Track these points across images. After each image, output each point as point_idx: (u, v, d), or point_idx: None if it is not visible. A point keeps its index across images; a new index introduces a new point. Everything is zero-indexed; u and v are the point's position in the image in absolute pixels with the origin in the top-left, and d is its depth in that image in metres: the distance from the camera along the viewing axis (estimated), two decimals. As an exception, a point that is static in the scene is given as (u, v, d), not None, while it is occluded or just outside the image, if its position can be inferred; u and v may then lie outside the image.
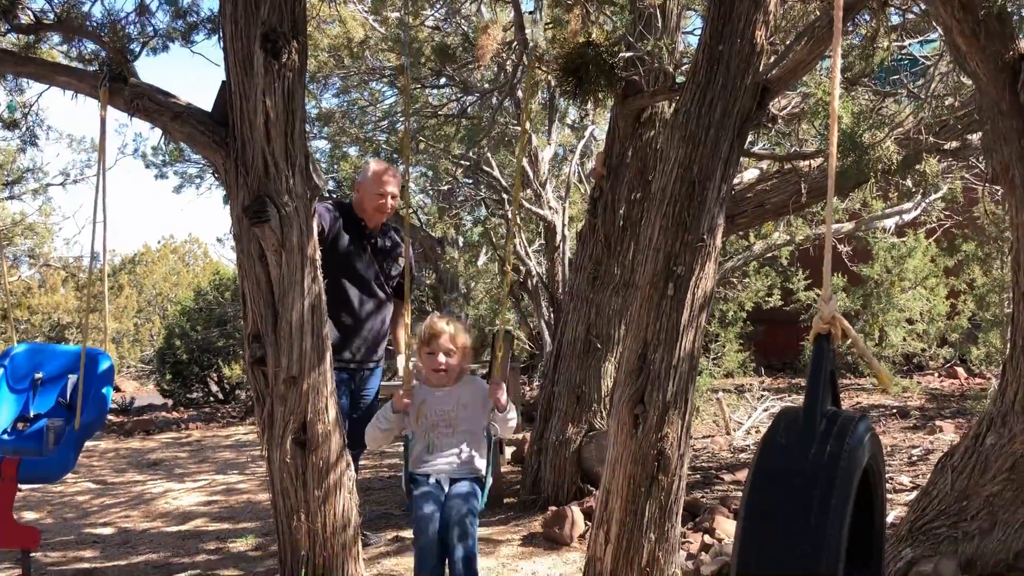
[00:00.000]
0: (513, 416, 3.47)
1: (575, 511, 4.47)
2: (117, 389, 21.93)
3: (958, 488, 2.74)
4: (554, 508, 4.62)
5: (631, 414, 3.39)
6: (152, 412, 13.07)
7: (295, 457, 3.57)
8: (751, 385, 10.43)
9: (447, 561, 3.19)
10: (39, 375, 3.72)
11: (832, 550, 1.32)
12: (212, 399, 14.33)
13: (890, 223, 8.88)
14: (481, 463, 3.44)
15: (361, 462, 4.71)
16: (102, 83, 3.40)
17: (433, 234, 10.42)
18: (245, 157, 3.36)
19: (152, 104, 3.45)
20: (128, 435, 9.95)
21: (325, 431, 3.61)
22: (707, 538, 3.97)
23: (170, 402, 14.30)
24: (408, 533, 4.85)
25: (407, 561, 4.30)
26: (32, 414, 3.65)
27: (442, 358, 3.46)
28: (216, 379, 14.45)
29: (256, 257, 3.43)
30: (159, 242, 27.63)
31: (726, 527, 4.13)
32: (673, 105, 5.06)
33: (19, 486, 3.45)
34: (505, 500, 5.40)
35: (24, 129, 4.04)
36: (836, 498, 1.40)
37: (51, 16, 3.60)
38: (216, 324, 13.56)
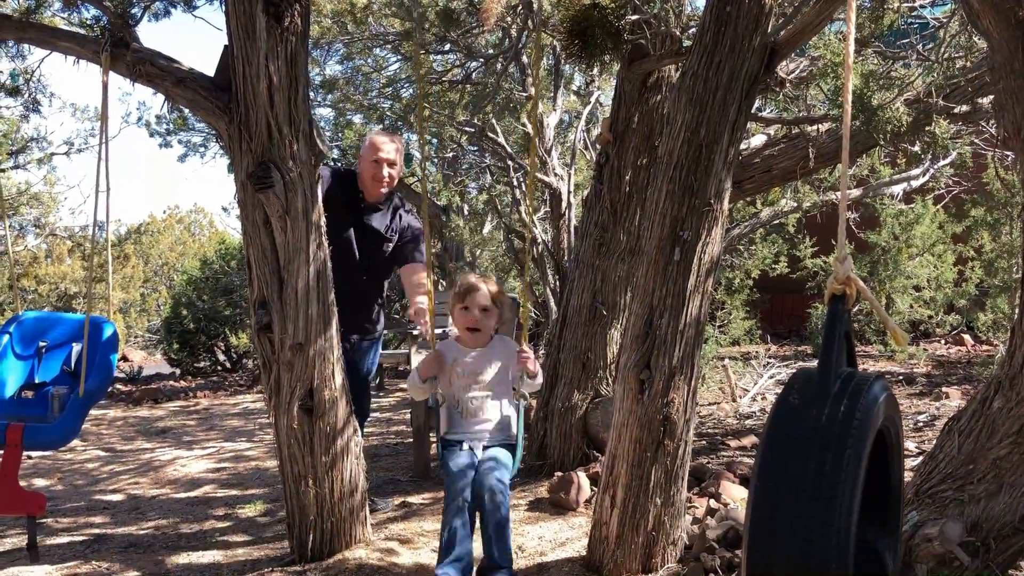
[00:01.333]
0: (540, 380, 3.46)
1: (581, 476, 4.48)
2: (125, 358, 22.06)
3: (965, 452, 2.73)
4: (560, 473, 4.63)
5: (637, 379, 3.39)
6: (160, 381, 13.15)
7: (302, 423, 3.58)
8: (757, 352, 10.41)
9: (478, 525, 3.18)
10: (44, 343, 3.73)
11: (845, 510, 1.32)
12: (219, 368, 14.42)
13: (898, 189, 8.81)
14: (513, 428, 3.39)
15: (368, 429, 4.71)
16: (104, 48, 3.37)
17: (438, 202, 10.39)
18: (248, 123, 3.33)
19: (154, 69, 3.42)
20: (136, 404, 10.02)
21: (332, 397, 3.62)
22: (712, 503, 3.98)
23: (177, 371, 14.40)
24: (415, 499, 4.89)
25: (414, 526, 4.33)
26: (37, 381, 3.66)
27: (477, 314, 3.41)
28: (223, 348, 14.53)
29: (261, 224, 3.42)
30: (164, 212, 27.66)
31: (732, 492, 4.14)
32: (680, 69, 5.01)
33: (26, 453, 3.48)
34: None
35: (27, 96, 4.01)
36: (849, 457, 1.40)
37: (51, -19, 3.57)
38: (222, 293, 13.60)
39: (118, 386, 11.91)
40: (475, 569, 3.16)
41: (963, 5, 2.35)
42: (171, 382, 12.84)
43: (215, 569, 3.84)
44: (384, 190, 4.40)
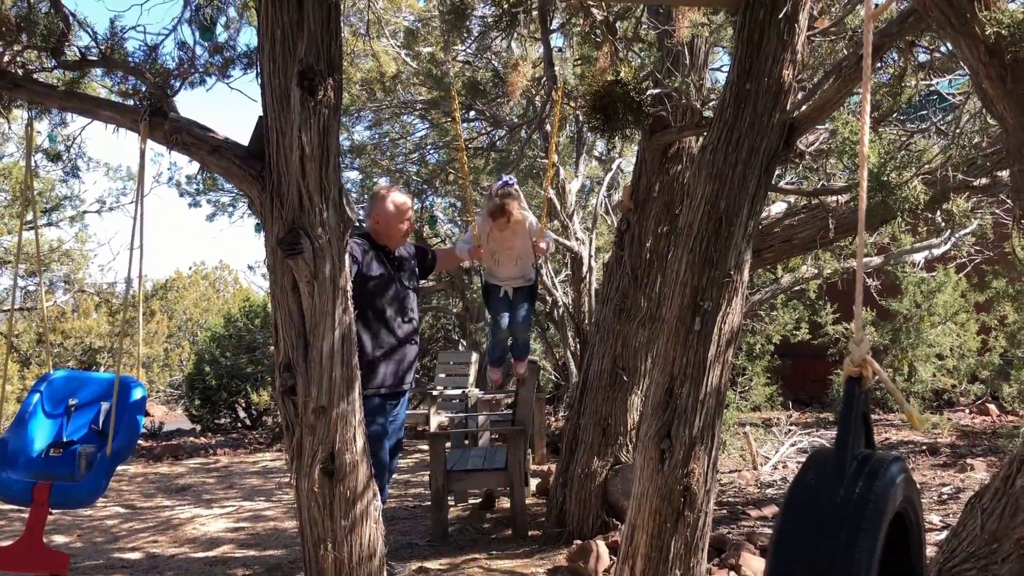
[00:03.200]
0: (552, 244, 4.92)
1: (600, 545, 4.46)
2: (147, 414, 22.13)
3: (988, 530, 2.72)
4: (579, 542, 4.61)
5: (657, 449, 3.40)
6: (180, 437, 13.18)
7: (323, 486, 3.60)
8: (779, 419, 10.33)
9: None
10: (73, 401, 3.80)
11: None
12: (240, 425, 14.45)
13: (919, 257, 8.81)
14: (531, 273, 4.83)
15: (388, 491, 4.73)
16: (143, 117, 3.49)
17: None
18: (280, 190, 3.42)
19: (190, 138, 3.54)
20: (157, 460, 10.05)
21: (352, 461, 3.64)
22: (733, 575, 3.95)
23: (198, 427, 14.43)
24: (432, 564, 4.88)
25: (432, 592, 4.32)
26: (65, 440, 3.72)
27: (502, 228, 4.60)
28: (244, 405, 14.58)
29: (289, 288, 3.49)
30: (190, 268, 27.98)
31: (752, 564, 4.11)
32: (700, 140, 5.11)
33: (50, 510, 3.52)
34: (530, 532, 5.41)
35: (67, 161, 4.16)
36: (863, 537, 1.41)
37: (95, 52, 3.71)
38: (245, 351, 13.71)
39: (139, 441, 11.97)
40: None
41: (978, 90, 2.41)
42: (192, 438, 12.87)
43: (232, 633, 3.84)
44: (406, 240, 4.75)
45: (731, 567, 4.12)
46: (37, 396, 3.72)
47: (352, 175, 9.58)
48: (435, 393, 8.35)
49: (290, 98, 3.37)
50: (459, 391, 8.68)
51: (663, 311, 3.54)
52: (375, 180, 9.50)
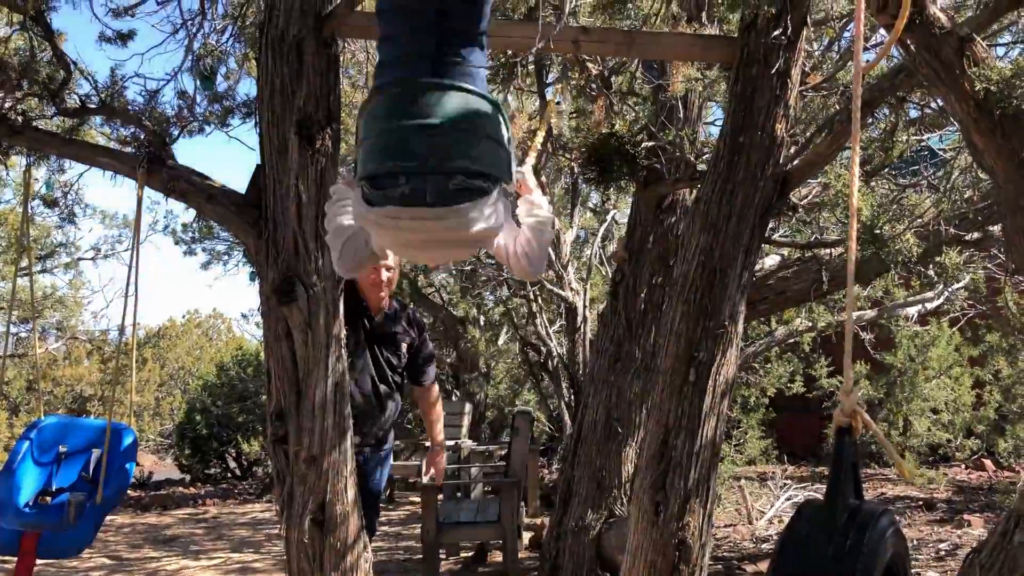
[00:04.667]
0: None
1: (594, 600, 4.39)
2: (137, 463, 21.84)
3: (986, 586, 2.68)
4: (572, 596, 4.54)
5: (652, 501, 3.37)
6: (170, 487, 13.01)
7: (313, 537, 3.55)
8: (774, 473, 10.25)
9: None
10: (63, 448, 3.74)
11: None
12: (230, 475, 14.28)
13: (913, 311, 8.83)
14: None
15: (376, 543, 4.62)
16: (140, 165, 3.52)
17: (455, 312, 10.49)
18: (276, 238, 3.43)
19: (188, 186, 3.56)
20: (145, 510, 9.91)
21: (344, 512, 3.60)
22: (729, 631, 3.88)
23: (188, 477, 14.26)
24: (423, 618, 4.79)
25: (422, 648, 4.23)
26: (55, 488, 3.66)
27: None
28: (234, 455, 14.42)
29: (283, 336, 3.48)
30: (184, 316, 27.85)
31: (748, 620, 4.04)
32: (694, 192, 5.15)
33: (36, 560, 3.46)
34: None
35: (63, 207, 4.18)
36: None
37: (95, 100, 3.75)
38: (237, 399, 13.60)
39: (128, 491, 11.81)
40: None
41: (968, 145, 2.45)
42: (181, 488, 12.70)
43: None
44: (384, 294, 4.25)
45: (727, 623, 4.06)
46: (27, 443, 3.68)
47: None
48: (427, 444, 8.27)
49: (288, 147, 3.40)
50: (452, 442, 8.59)
51: (658, 361, 3.53)
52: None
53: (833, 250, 4.96)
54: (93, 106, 3.75)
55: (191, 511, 9.88)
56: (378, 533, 5.48)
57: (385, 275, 4.17)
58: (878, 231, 3.21)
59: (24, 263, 4.92)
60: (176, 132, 3.98)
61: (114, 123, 4.19)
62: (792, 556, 1.46)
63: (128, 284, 3.71)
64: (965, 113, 2.31)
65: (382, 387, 4.38)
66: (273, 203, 3.43)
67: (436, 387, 4.56)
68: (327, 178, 3.49)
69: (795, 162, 3.52)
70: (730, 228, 3.40)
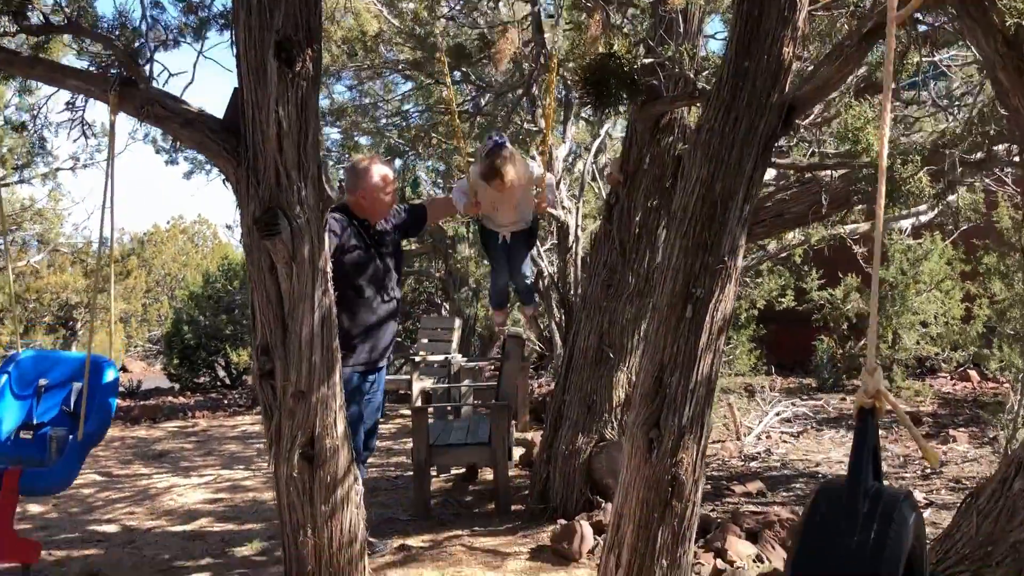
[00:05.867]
0: (556, 201, 4.89)
1: (584, 526, 4.41)
2: (124, 369, 21.97)
3: (983, 532, 2.66)
4: (563, 522, 4.55)
5: (645, 438, 3.31)
6: (159, 396, 13.07)
7: (302, 472, 3.50)
8: (762, 386, 10.33)
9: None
10: (44, 382, 3.66)
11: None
12: (219, 384, 14.34)
13: (906, 224, 8.76)
14: (531, 215, 4.63)
15: (364, 474, 4.62)
16: (112, 88, 3.32)
17: (443, 227, 10.33)
18: (257, 167, 3.27)
19: (162, 111, 3.36)
20: (134, 423, 9.94)
21: (333, 446, 3.54)
22: (719, 562, 3.90)
23: (177, 386, 14.31)
24: (414, 541, 4.83)
25: (413, 572, 4.27)
26: (35, 422, 3.60)
27: (497, 188, 4.39)
28: (223, 364, 14.45)
29: (266, 269, 3.35)
30: (168, 223, 27.58)
31: (738, 548, 4.07)
32: (693, 111, 4.97)
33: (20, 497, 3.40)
34: (513, 507, 5.35)
35: (32, 132, 3.96)
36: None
37: (61, 17, 3.51)
38: (224, 311, 13.53)
39: (117, 401, 11.84)
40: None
41: (993, 81, 2.30)
42: (170, 398, 12.75)
43: (210, 617, 3.77)
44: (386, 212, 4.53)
45: (716, 551, 4.08)
46: (4, 377, 3.59)
47: (332, 132, 9.34)
48: (417, 359, 8.25)
49: (267, 70, 3.19)
50: (442, 357, 8.59)
51: (654, 298, 3.43)
52: (356, 140, 9.29)
53: (833, 172, 4.82)
54: (58, 23, 3.52)
55: (181, 424, 9.92)
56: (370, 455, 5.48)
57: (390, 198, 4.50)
58: (894, 173, 3.06)
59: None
60: (148, 51, 3.74)
61: (83, 41, 3.96)
62: (813, 548, 1.39)
63: (104, 209, 3.54)
64: (992, 49, 2.16)
65: (389, 303, 4.42)
66: (252, 131, 3.25)
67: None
68: (308, 103, 3.32)
69: (802, 89, 3.35)
70: (732, 159, 3.25)
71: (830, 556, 1.37)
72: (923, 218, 8.20)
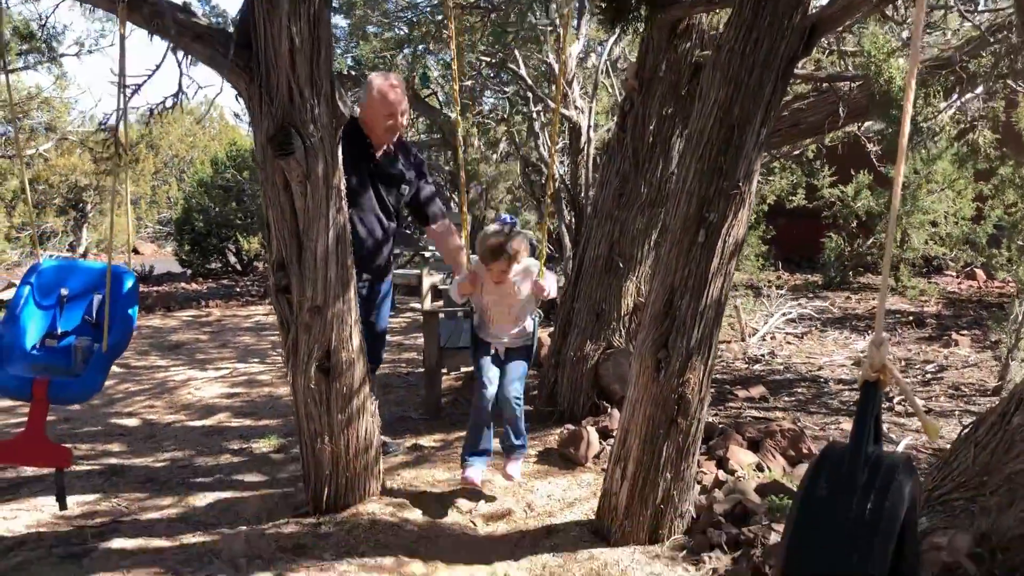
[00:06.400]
0: (554, 288, 4.08)
1: (591, 432, 4.54)
2: (136, 251, 22.12)
3: (980, 463, 2.76)
4: (570, 427, 4.69)
5: (654, 358, 3.40)
6: (171, 282, 13.23)
7: (319, 383, 3.62)
8: (769, 283, 10.41)
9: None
10: (65, 291, 3.73)
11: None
12: (230, 270, 14.49)
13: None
14: (531, 329, 4.13)
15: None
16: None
17: (451, 114, 10.19)
18: (270, 84, 3.24)
19: (172, 24, 3.30)
20: (149, 311, 10.09)
21: (349, 359, 3.64)
22: (721, 473, 4.04)
23: (188, 271, 14.47)
24: (426, 440, 4.99)
25: (426, 474, 4.43)
26: (59, 331, 3.68)
27: (498, 275, 3.95)
28: (234, 251, 14.57)
29: (281, 187, 3.37)
30: (173, 102, 27.13)
31: (740, 457, 4.20)
32: (711, 16, 4.84)
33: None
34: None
35: (40, 41, 3.87)
36: (878, 552, 1.42)
37: (64, -79, 3.41)
38: (235, 200, 13.54)
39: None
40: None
41: (1018, 11, 2.24)
42: (183, 284, 12.91)
43: (232, 514, 3.95)
44: (394, 138, 4.31)
45: (719, 460, 4.22)
46: (28, 288, 3.65)
47: (340, 21, 9.10)
48: (427, 254, 8.31)
49: (278, -14, 3.13)
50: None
51: (668, 220, 3.45)
52: (365, 27, 9.08)
53: (851, 84, 4.74)
54: (62, -72, 3.41)
55: (195, 313, 10.09)
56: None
57: (401, 121, 4.27)
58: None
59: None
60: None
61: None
62: (812, 515, 1.46)
63: (117, 123, 3.51)
64: None
65: (385, 222, 4.36)
66: (264, 47, 3.21)
67: (445, 221, 4.59)
68: (321, 18, 3.26)
69: (825, 9, 3.26)
70: (752, 81, 3.21)
71: (828, 522, 1.45)
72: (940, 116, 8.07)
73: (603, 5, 3.50)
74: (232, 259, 14.57)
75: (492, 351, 4.09)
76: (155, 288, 12.27)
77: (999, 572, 2.68)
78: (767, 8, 3.17)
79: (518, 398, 4.00)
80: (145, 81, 3.40)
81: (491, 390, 3.95)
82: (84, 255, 20.91)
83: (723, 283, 3.37)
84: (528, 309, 4.09)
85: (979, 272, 11.39)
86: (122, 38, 3.34)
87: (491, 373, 4.00)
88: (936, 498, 2.81)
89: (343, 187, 3.49)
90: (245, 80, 3.31)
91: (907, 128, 1.68)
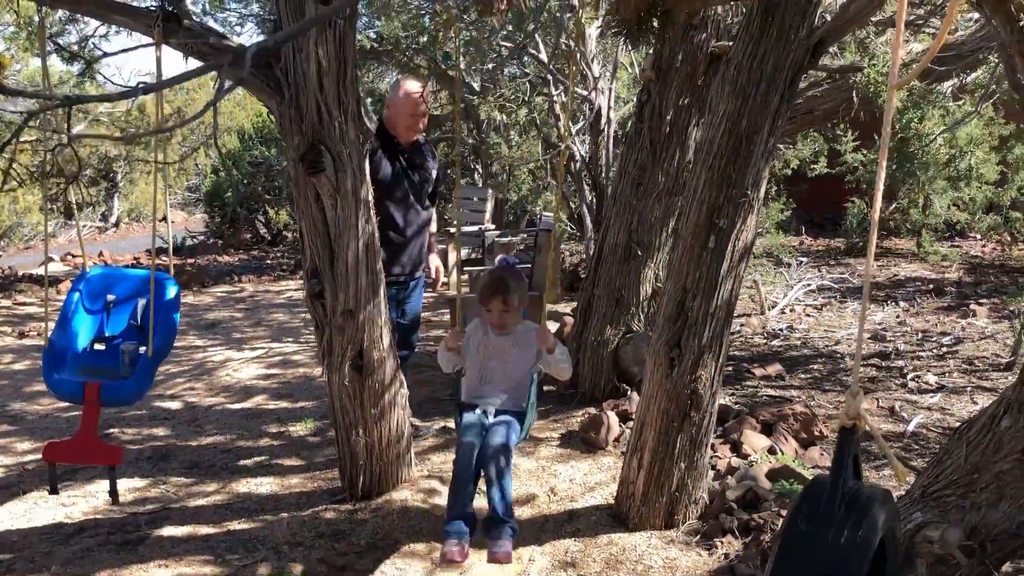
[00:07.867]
0: (565, 359, 3.44)
1: (610, 416, 4.75)
2: (164, 220, 22.47)
3: (971, 462, 2.93)
4: (592, 410, 4.91)
5: (667, 356, 3.59)
6: (204, 255, 13.53)
7: (353, 380, 3.85)
8: (793, 248, 10.49)
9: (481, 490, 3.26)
10: (111, 297, 3.97)
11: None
12: (261, 240, 14.77)
13: (947, 86, 8.60)
14: (525, 398, 3.41)
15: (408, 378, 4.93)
16: (156, 23, 3.42)
17: (474, 84, 10.27)
18: (299, 104, 3.43)
19: (206, 47, 3.48)
20: (184, 287, 10.38)
21: (380, 357, 3.87)
22: (735, 459, 4.24)
23: (219, 242, 14.77)
24: (453, 423, 5.21)
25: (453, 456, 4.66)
26: (108, 335, 3.93)
27: (497, 318, 3.43)
28: (264, 221, 14.84)
29: (312, 200, 3.57)
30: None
31: (753, 441, 4.40)
32: (729, 10, 4.93)
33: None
34: (545, 388, 5.72)
35: (83, 61, 4.07)
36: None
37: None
38: (264, 175, 13.77)
39: (164, 258, 12.33)
40: (480, 521, 3.22)
41: (1006, 60, 2.37)
42: (215, 256, 13.21)
43: (273, 500, 4.22)
44: (416, 135, 4.65)
45: (733, 443, 4.42)
46: (77, 294, 3.90)
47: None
48: (452, 230, 8.49)
49: (304, 10, 3.30)
50: (475, 227, 8.81)
51: (680, 185, 3.60)
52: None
53: (862, 72, 4.82)
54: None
55: (228, 289, 10.37)
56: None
57: (422, 123, 4.63)
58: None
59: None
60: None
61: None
62: (792, 547, 1.66)
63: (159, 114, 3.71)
64: (1007, 34, 2.23)
65: (420, 210, 4.63)
66: (293, 68, 3.39)
67: (431, 211, 4.87)
68: (347, 40, 3.42)
69: (830, 23, 3.38)
70: (759, 94, 3.34)
71: (806, 556, 1.65)
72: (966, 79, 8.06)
73: (624, 32, 3.58)
74: (262, 230, 14.85)
75: (479, 411, 3.37)
76: (188, 260, 12.56)
77: (988, 563, 2.88)
78: (774, 24, 3.28)
79: (508, 447, 3.20)
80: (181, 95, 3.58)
81: (475, 444, 3.22)
82: (117, 225, 21.31)
83: (733, 285, 3.54)
84: (528, 365, 3.44)
85: (1004, 235, 11.38)
86: (158, 61, 3.52)
87: (473, 421, 3.32)
88: (930, 494, 2.99)
89: (371, 199, 3.69)
90: (276, 100, 3.49)
91: (888, 132, 1.84)
